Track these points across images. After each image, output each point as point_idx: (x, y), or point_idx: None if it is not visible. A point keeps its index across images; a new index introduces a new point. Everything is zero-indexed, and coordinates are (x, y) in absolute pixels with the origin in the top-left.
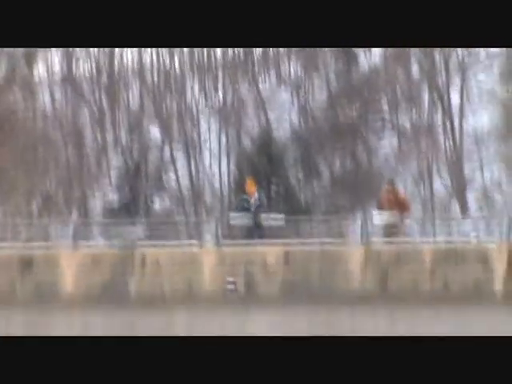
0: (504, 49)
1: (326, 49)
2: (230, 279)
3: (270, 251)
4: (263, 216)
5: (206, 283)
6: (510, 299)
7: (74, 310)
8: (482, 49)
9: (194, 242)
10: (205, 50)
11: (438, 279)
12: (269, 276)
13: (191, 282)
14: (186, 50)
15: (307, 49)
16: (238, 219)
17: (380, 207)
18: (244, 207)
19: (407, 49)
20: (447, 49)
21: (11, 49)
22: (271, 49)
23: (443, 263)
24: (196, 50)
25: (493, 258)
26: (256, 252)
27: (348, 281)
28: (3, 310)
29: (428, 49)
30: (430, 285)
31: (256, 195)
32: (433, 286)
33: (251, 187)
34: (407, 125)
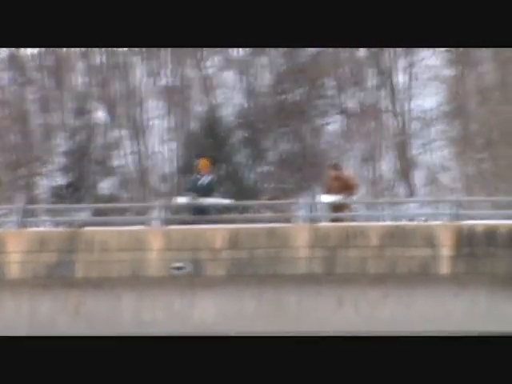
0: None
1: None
2: (177, 264)
3: (217, 232)
4: (211, 198)
5: (152, 266)
6: (456, 280)
7: (21, 291)
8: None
9: (140, 224)
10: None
11: (385, 259)
12: (216, 258)
13: (138, 265)
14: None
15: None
16: (185, 201)
17: (327, 191)
18: (196, 186)
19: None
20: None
21: None
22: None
23: (390, 243)
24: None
25: (439, 239)
26: (203, 233)
27: (295, 261)
28: None
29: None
30: (376, 265)
31: (209, 176)
32: (379, 267)
33: (205, 167)
34: (353, 106)
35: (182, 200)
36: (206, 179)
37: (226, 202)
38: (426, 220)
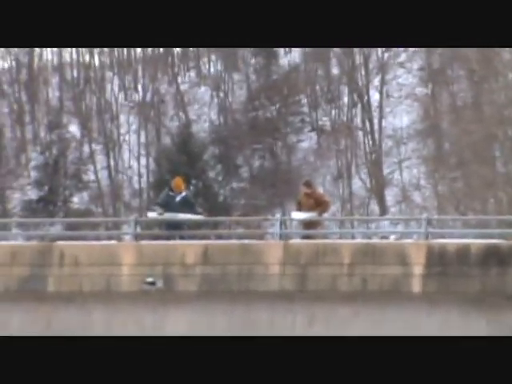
0: (423, 48)
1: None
2: (149, 279)
3: (189, 248)
4: (182, 214)
5: (124, 280)
6: (427, 298)
7: None
8: (402, 48)
9: (112, 238)
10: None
11: (356, 277)
12: (187, 273)
13: (109, 279)
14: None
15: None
16: (156, 216)
17: (299, 208)
18: (167, 202)
19: (327, 48)
20: (367, 49)
21: None
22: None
23: (361, 261)
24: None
25: (411, 257)
26: (175, 249)
27: (267, 278)
28: None
29: (348, 48)
30: (348, 283)
31: (183, 193)
32: (351, 284)
33: (180, 185)
34: (327, 123)
35: (153, 214)
36: (180, 197)
37: (198, 217)
38: (397, 238)
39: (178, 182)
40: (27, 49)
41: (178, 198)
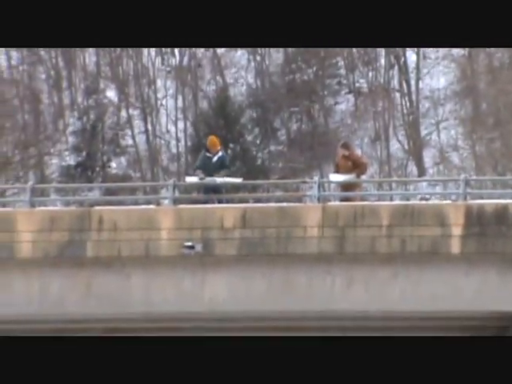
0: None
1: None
2: (188, 243)
3: (228, 212)
4: (221, 177)
5: (163, 245)
6: (466, 259)
7: (31, 270)
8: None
9: (151, 203)
10: None
11: (395, 239)
12: (226, 237)
13: (148, 244)
14: None
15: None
16: (195, 180)
17: (337, 171)
18: (205, 164)
19: None
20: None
21: None
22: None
23: (400, 223)
24: None
25: (449, 218)
26: (213, 213)
27: (305, 240)
28: None
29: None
30: (386, 244)
31: (220, 153)
32: (390, 246)
33: (215, 143)
34: (364, 85)
35: (192, 179)
36: (216, 157)
37: (237, 180)
38: (434, 197)
39: (212, 140)
40: None
41: (214, 159)
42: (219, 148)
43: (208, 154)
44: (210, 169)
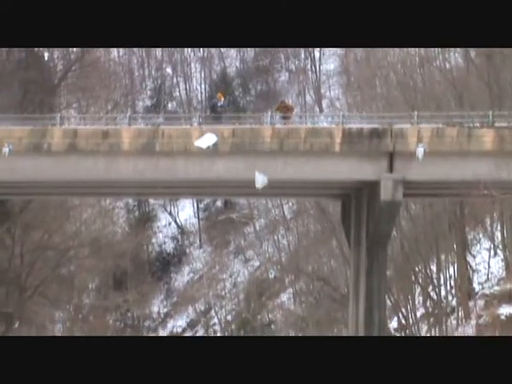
0: None
1: None
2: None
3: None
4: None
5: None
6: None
7: None
8: None
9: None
10: None
11: None
12: None
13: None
14: None
15: None
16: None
17: None
18: (215, 104)
19: None
20: None
21: None
22: None
23: None
24: None
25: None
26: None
27: None
28: None
29: None
30: None
31: (222, 101)
32: None
33: (220, 96)
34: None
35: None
36: (221, 103)
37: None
38: None
39: (219, 95)
40: None
41: (220, 103)
42: (222, 99)
43: (215, 101)
44: (218, 109)
